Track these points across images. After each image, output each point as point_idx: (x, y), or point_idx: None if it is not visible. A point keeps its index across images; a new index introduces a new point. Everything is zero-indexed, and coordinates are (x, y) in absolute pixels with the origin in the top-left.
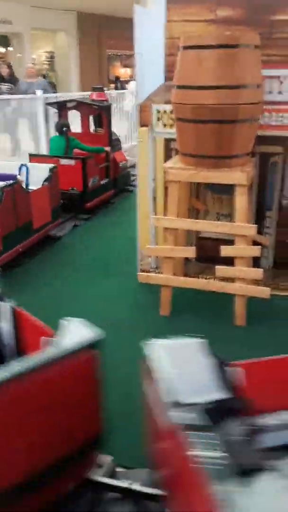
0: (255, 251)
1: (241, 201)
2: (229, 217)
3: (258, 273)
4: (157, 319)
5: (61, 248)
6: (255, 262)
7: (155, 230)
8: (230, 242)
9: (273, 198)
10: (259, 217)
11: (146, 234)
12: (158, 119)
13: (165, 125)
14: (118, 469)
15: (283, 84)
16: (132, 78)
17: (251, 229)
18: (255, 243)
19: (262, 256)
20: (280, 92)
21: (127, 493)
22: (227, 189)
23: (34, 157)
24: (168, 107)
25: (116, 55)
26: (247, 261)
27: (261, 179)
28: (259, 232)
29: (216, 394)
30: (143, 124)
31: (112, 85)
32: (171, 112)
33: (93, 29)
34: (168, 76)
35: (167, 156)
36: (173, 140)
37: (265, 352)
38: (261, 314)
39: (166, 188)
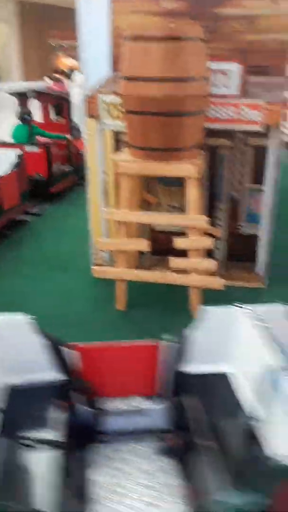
0: (208, 242)
1: (193, 194)
2: (180, 209)
3: (211, 264)
4: (113, 313)
5: (21, 239)
6: (209, 253)
7: (108, 223)
8: (182, 234)
9: (223, 190)
10: (210, 209)
11: (99, 228)
12: (106, 111)
13: (113, 117)
14: None
15: (228, 78)
16: (77, 69)
17: (202, 221)
18: (207, 235)
19: (215, 248)
20: (226, 86)
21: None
22: (178, 181)
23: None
24: (116, 99)
25: (60, 45)
26: (201, 253)
27: (211, 171)
28: (211, 224)
29: (48, 374)
30: (91, 116)
31: (57, 76)
32: (119, 104)
33: (35, 19)
34: (115, 67)
35: (117, 149)
36: (123, 132)
37: None
38: (216, 304)
39: (117, 181)
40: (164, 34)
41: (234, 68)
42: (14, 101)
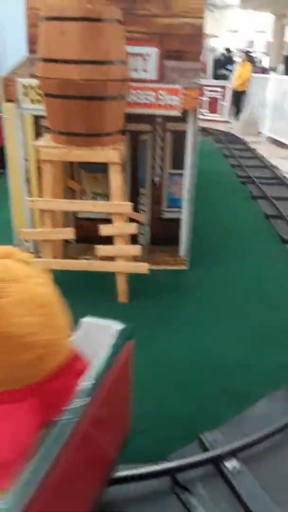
0: (132, 228)
1: (116, 180)
2: (105, 196)
3: (136, 249)
4: None
5: None
6: (133, 239)
7: (31, 212)
8: (108, 221)
9: (146, 176)
10: (133, 195)
11: (21, 217)
12: (25, 94)
13: (32, 101)
14: None
15: (147, 62)
16: None
17: (127, 207)
18: (131, 220)
19: (139, 233)
20: (144, 70)
21: None
22: (100, 168)
23: None
24: (35, 82)
25: None
26: (126, 239)
27: (133, 157)
28: (135, 209)
29: None
30: (8, 100)
31: None
32: (38, 87)
33: None
34: (32, 48)
35: (38, 134)
36: (43, 117)
37: (146, 324)
38: (141, 289)
39: (39, 168)
40: (81, 15)
41: (152, 52)
42: None
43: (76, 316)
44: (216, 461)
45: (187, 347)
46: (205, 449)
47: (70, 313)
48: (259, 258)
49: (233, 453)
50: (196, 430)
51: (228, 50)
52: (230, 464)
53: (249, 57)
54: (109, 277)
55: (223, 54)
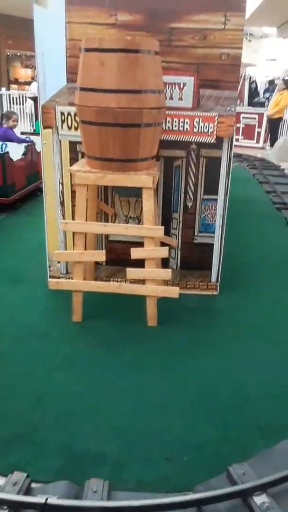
0: (164, 252)
1: (148, 204)
2: (138, 219)
3: (167, 273)
4: (69, 325)
5: None
6: (164, 263)
7: (64, 234)
8: (139, 244)
9: (179, 200)
10: (166, 219)
11: (55, 239)
12: (63, 121)
13: (70, 128)
14: (34, 485)
15: (183, 91)
16: (33, 79)
17: (158, 231)
18: (163, 244)
19: (170, 257)
20: (181, 99)
21: (44, 508)
22: (135, 192)
23: None
24: (73, 109)
25: (16, 55)
26: (157, 263)
27: (166, 182)
28: (167, 233)
29: None
30: (46, 126)
31: (15, 86)
32: (75, 114)
33: None
34: (71, 78)
35: (74, 159)
36: (79, 143)
37: (175, 349)
38: (171, 313)
39: (73, 192)
40: (120, 46)
41: (188, 81)
42: None
43: (105, 336)
44: (245, 495)
45: (218, 374)
46: (233, 481)
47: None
48: None
49: (262, 488)
50: (225, 462)
51: (271, 81)
52: (259, 499)
53: (286, 85)
54: (140, 300)
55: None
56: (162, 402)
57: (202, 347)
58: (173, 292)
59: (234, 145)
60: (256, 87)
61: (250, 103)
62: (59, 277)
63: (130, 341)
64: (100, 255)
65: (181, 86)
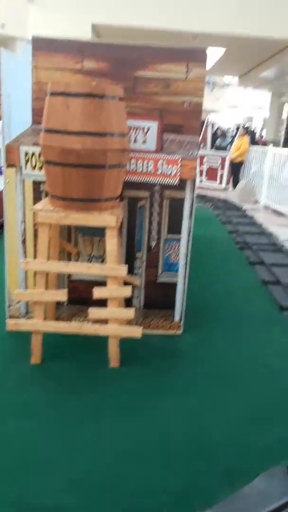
0: (127, 291)
1: (111, 243)
2: (101, 258)
3: (130, 313)
4: (28, 368)
5: None
6: (128, 302)
7: (25, 273)
8: (102, 283)
9: (142, 240)
10: (129, 258)
11: (15, 278)
12: (27, 161)
13: (34, 167)
14: None
15: (147, 134)
16: None
17: (121, 270)
18: (126, 283)
19: (134, 296)
20: (145, 142)
21: None
22: (97, 231)
23: None
24: (37, 149)
25: None
26: (120, 302)
27: (130, 221)
28: (131, 273)
29: None
30: (10, 165)
31: None
32: (40, 154)
33: None
34: (36, 119)
35: (37, 198)
36: (43, 182)
37: (137, 391)
38: (134, 353)
39: (36, 231)
40: (85, 91)
41: (152, 126)
42: None
43: (65, 380)
44: None
45: (180, 417)
46: None
47: (60, 379)
48: (256, 325)
49: None
50: (189, 509)
51: (218, 128)
52: None
53: (246, 131)
54: (102, 340)
55: (220, 129)
56: (122, 449)
57: (164, 390)
58: (136, 332)
59: (198, 186)
60: (223, 132)
61: (215, 147)
62: (18, 317)
63: (90, 384)
64: (62, 295)
65: (145, 130)
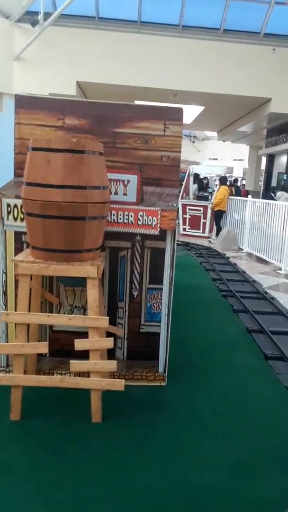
0: (109, 343)
1: (93, 294)
2: (83, 308)
3: (112, 365)
4: (6, 425)
5: None
6: (110, 353)
7: (6, 326)
8: (84, 334)
9: (124, 290)
10: (112, 308)
11: None
12: (9, 212)
13: (15, 219)
14: None
15: (127, 187)
16: None
17: (103, 321)
18: (109, 334)
19: (117, 347)
20: (125, 194)
21: None
22: (79, 281)
23: None
24: (19, 202)
25: None
26: (102, 353)
27: (112, 271)
28: (113, 323)
29: None
30: None
31: None
32: (21, 206)
33: None
34: (18, 173)
35: (19, 249)
36: (24, 233)
37: (119, 447)
38: (117, 407)
39: (17, 282)
40: (66, 147)
41: (132, 179)
42: None
43: (46, 437)
44: None
45: (166, 475)
46: None
47: (41, 436)
48: (241, 374)
49: None
50: None
51: (204, 178)
52: None
53: (224, 181)
54: (85, 393)
55: (199, 179)
56: None
57: (149, 445)
58: (118, 385)
59: (182, 234)
60: (207, 182)
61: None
62: None
63: (72, 442)
64: (42, 347)
65: (126, 182)
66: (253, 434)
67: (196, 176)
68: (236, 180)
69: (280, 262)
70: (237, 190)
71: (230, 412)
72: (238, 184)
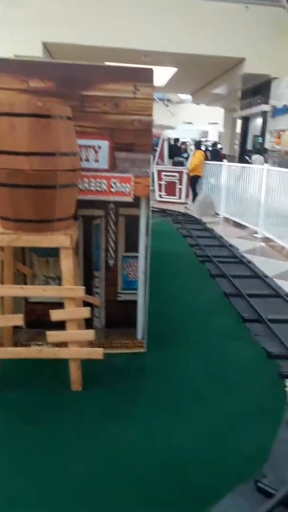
0: (85, 312)
1: (67, 264)
2: (58, 279)
3: (90, 334)
4: None
5: None
6: (88, 322)
7: None
8: (61, 304)
9: (100, 259)
10: (88, 278)
11: None
12: None
13: None
14: None
15: (98, 153)
16: None
17: (79, 291)
18: (86, 304)
19: (94, 316)
20: (96, 161)
21: None
22: (52, 252)
23: None
24: None
25: None
26: (79, 323)
27: (86, 240)
28: (90, 293)
29: None
30: None
31: None
32: None
33: None
34: None
35: None
36: None
37: (101, 414)
38: (97, 375)
39: None
40: (31, 111)
41: (103, 145)
42: None
43: (24, 408)
44: None
45: (148, 440)
46: None
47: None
48: (219, 338)
49: None
50: None
51: (176, 139)
52: None
53: (199, 145)
54: (64, 363)
55: (175, 144)
56: (86, 480)
57: (130, 411)
58: (97, 353)
59: (158, 201)
60: (186, 148)
61: (172, 163)
62: None
63: (52, 411)
64: (18, 319)
65: (96, 148)
66: (232, 397)
67: (175, 141)
68: (215, 144)
69: (256, 226)
70: (216, 153)
71: (209, 376)
72: (218, 147)
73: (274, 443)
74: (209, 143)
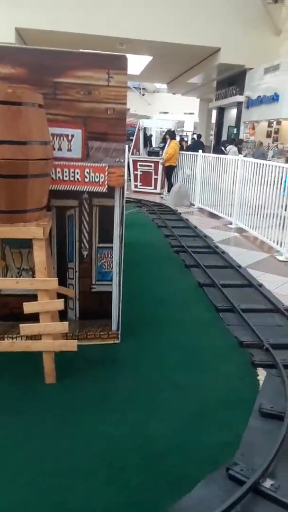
0: (59, 304)
1: (40, 255)
2: (32, 271)
3: (64, 326)
4: None
5: None
6: (62, 314)
7: None
8: (35, 296)
9: (74, 250)
10: (61, 269)
11: None
12: None
13: None
14: None
15: (71, 142)
16: None
17: (52, 283)
18: (60, 295)
19: (68, 308)
20: (69, 150)
21: None
22: (25, 243)
23: None
24: None
25: None
26: (53, 315)
27: (60, 231)
28: (64, 284)
29: None
30: None
31: None
32: None
33: None
34: None
35: None
36: None
37: (75, 406)
38: (71, 367)
39: None
40: (1, 98)
41: (76, 134)
42: None
43: (2, 400)
44: None
45: (122, 429)
46: None
47: None
48: (193, 328)
49: None
50: None
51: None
52: None
53: (172, 135)
54: (38, 355)
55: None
56: (61, 469)
57: (105, 401)
58: (71, 345)
59: (134, 191)
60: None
61: (148, 153)
62: None
63: (27, 402)
64: None
65: (69, 137)
66: (205, 385)
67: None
68: (200, 136)
69: (230, 216)
70: (200, 145)
71: (183, 365)
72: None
73: (245, 431)
74: (194, 135)
